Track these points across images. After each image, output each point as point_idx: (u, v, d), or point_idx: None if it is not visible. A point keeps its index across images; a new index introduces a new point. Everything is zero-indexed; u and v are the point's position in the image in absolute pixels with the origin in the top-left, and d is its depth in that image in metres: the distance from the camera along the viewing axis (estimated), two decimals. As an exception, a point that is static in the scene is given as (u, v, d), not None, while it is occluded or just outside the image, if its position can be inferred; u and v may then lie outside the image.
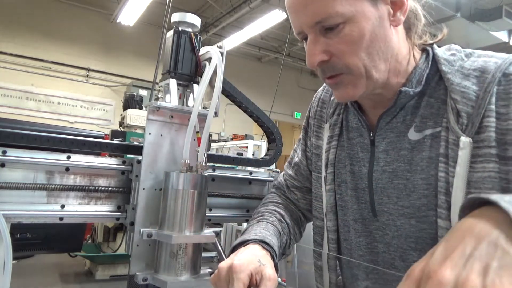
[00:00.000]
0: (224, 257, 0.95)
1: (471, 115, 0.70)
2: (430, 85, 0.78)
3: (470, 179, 0.69)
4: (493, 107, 0.68)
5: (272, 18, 7.08)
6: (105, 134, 2.95)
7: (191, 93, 0.95)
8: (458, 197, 0.69)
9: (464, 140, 0.70)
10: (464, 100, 0.71)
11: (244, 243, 0.82)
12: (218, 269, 0.73)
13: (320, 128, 0.99)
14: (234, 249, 0.83)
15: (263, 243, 0.82)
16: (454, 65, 0.75)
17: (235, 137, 7.98)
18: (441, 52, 0.79)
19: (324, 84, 1.00)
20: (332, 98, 0.99)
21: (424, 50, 0.82)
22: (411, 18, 0.78)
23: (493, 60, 0.72)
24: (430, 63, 0.79)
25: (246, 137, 7.11)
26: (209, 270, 0.88)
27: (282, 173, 1.12)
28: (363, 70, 0.74)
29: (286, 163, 1.11)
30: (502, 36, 6.33)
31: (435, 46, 0.82)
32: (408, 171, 0.77)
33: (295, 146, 1.09)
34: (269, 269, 0.72)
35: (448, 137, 0.72)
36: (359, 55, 0.72)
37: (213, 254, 5.74)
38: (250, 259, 0.73)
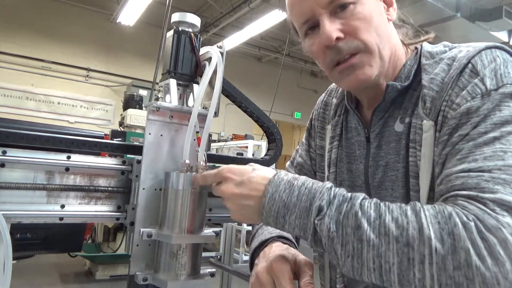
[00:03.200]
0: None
1: (435, 99, 0.72)
2: (416, 79, 0.80)
3: (434, 160, 0.71)
4: (451, 92, 0.70)
5: (272, 18, 7.08)
6: (105, 134, 2.95)
7: (191, 93, 0.95)
8: (424, 179, 0.71)
9: (426, 123, 0.72)
10: (431, 85, 0.73)
11: (264, 243, 0.84)
12: (256, 275, 0.75)
13: (323, 129, 1.01)
14: (254, 252, 0.86)
15: (282, 238, 0.85)
16: (435, 57, 0.77)
17: (235, 137, 7.97)
18: (428, 46, 0.82)
19: (327, 88, 1.05)
20: (333, 100, 1.01)
21: (415, 48, 0.85)
22: (399, 21, 0.84)
23: (468, 49, 0.73)
24: (418, 59, 0.81)
25: (246, 137, 7.11)
26: (209, 270, 0.88)
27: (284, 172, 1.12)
28: (376, 47, 0.76)
29: (288, 163, 1.12)
30: (502, 36, 6.33)
31: (424, 43, 0.83)
32: (398, 162, 0.79)
33: (298, 147, 1.12)
34: (301, 256, 0.77)
35: (416, 122, 0.75)
36: (371, 32, 0.76)
37: (213, 254, 5.75)
38: (282, 254, 0.76)
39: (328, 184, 0.66)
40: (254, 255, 0.86)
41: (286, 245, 0.82)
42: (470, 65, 0.69)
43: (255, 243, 0.88)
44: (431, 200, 0.70)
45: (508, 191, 0.56)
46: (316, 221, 0.62)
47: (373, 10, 0.76)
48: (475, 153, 0.62)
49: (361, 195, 0.63)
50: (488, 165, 0.59)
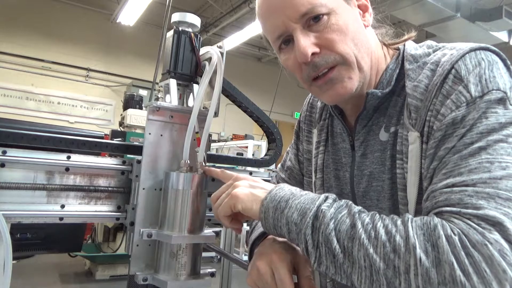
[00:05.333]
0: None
1: (419, 109, 0.69)
2: (400, 84, 0.77)
3: (423, 174, 0.68)
4: (435, 100, 0.67)
5: (272, 18, 7.06)
6: (105, 134, 2.95)
7: (191, 93, 0.95)
8: (412, 192, 0.69)
9: (412, 134, 0.69)
10: (415, 94, 0.70)
11: (264, 235, 0.84)
12: (256, 264, 0.74)
13: (310, 133, 0.99)
14: (254, 243, 0.85)
15: None
16: (419, 61, 0.74)
17: (235, 137, 7.98)
18: (410, 48, 0.78)
19: None
20: (318, 103, 0.98)
21: (397, 49, 0.82)
22: (376, 22, 0.83)
23: (452, 52, 0.69)
24: (400, 62, 0.78)
25: (246, 137, 7.11)
26: (209, 270, 0.88)
27: (275, 175, 1.12)
28: (354, 59, 0.74)
29: (279, 166, 1.11)
30: (502, 36, 6.32)
31: (407, 44, 0.81)
32: (383, 172, 0.77)
33: (288, 148, 1.10)
34: (301, 252, 0.75)
35: (403, 133, 0.72)
36: (348, 43, 0.73)
37: (213, 254, 5.75)
38: (283, 247, 0.76)
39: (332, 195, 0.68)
40: (254, 246, 0.85)
41: (285, 239, 0.81)
42: (453, 70, 0.66)
43: (255, 235, 0.87)
44: (418, 213, 0.68)
45: (492, 205, 0.54)
46: (322, 207, 0.63)
47: (348, 20, 0.73)
48: (461, 166, 0.60)
49: (358, 208, 0.64)
50: (473, 178, 0.57)
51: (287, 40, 0.76)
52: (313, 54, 0.72)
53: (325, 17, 0.72)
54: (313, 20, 0.72)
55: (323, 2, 0.71)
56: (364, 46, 0.75)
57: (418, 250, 0.53)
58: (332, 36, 0.72)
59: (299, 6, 0.71)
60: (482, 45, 0.68)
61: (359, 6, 0.78)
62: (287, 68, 0.80)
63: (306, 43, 0.72)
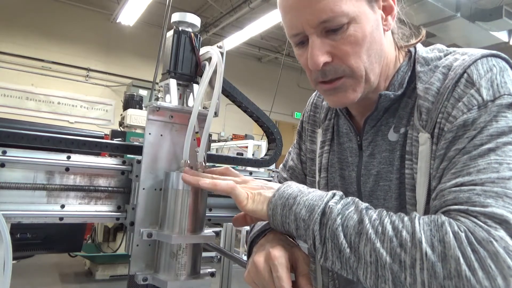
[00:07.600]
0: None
1: (430, 111, 0.70)
2: (410, 86, 0.78)
3: (431, 174, 0.69)
4: (447, 103, 0.68)
5: (272, 18, 7.08)
6: (105, 134, 2.95)
7: (191, 93, 0.95)
8: (421, 193, 0.70)
9: (422, 135, 0.71)
10: (426, 96, 0.71)
11: (263, 232, 0.84)
12: (254, 262, 0.74)
13: (314, 133, 1.00)
14: (253, 241, 0.85)
15: None
16: (430, 64, 0.75)
17: (235, 137, 7.98)
18: (422, 51, 0.79)
19: None
20: (324, 102, 0.99)
21: (408, 52, 0.82)
22: (396, 23, 0.81)
23: (464, 57, 0.71)
24: (412, 65, 0.79)
25: (246, 137, 7.11)
26: (209, 270, 0.88)
27: (276, 175, 1.12)
28: (364, 72, 0.74)
29: (281, 166, 1.11)
30: (502, 36, 6.32)
31: (418, 46, 0.81)
32: (391, 172, 0.78)
33: (290, 149, 1.10)
34: (300, 251, 0.77)
35: (413, 134, 0.73)
36: (361, 57, 0.72)
37: (213, 254, 5.75)
38: (282, 244, 0.76)
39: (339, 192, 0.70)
40: (253, 244, 0.85)
41: (285, 236, 0.81)
42: (465, 75, 0.67)
43: (254, 232, 0.88)
44: (427, 213, 0.69)
45: (500, 204, 0.56)
46: (330, 203, 0.65)
47: (366, 29, 0.71)
48: (470, 166, 0.61)
49: (365, 204, 0.66)
50: (481, 178, 0.59)
51: (303, 41, 0.76)
52: (325, 63, 0.72)
53: (344, 26, 0.70)
54: (329, 29, 0.71)
55: (345, 11, 0.69)
56: (377, 56, 0.75)
57: (424, 245, 0.55)
58: (347, 48, 0.71)
59: (321, 13, 0.69)
60: (493, 52, 0.70)
61: (383, 7, 0.75)
62: (299, 61, 0.81)
63: (320, 52, 0.71)
